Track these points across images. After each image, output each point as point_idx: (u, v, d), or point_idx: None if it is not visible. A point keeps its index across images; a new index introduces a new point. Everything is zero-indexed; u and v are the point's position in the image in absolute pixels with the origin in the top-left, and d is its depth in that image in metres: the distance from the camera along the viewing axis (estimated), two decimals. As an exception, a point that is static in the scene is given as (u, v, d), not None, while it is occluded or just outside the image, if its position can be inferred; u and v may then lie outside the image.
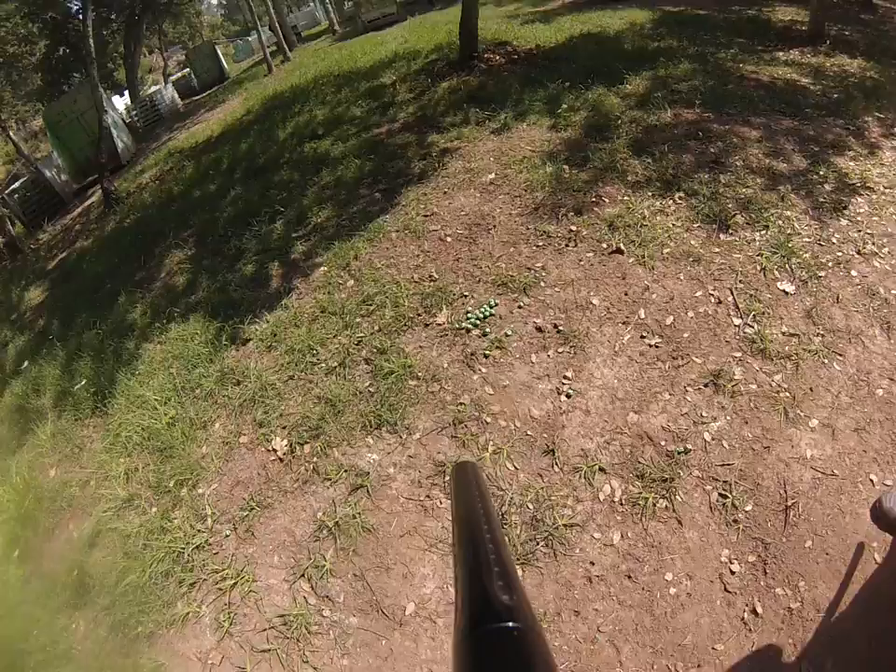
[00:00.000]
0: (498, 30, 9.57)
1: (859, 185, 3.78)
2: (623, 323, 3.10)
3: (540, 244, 3.75)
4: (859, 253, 3.26)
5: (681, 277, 3.28)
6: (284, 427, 3.12)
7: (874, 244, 3.31)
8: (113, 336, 4.70)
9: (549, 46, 8.03)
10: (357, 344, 3.45)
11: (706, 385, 2.73)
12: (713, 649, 2.01)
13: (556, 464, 2.57)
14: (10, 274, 9.37)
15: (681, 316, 3.06)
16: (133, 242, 6.70)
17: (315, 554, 2.53)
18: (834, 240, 3.37)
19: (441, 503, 2.56)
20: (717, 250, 3.40)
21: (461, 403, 2.92)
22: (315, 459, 2.90)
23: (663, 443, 2.55)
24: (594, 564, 2.27)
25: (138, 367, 4.13)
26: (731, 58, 6.34)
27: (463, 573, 0.39)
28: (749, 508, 2.31)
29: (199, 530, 2.82)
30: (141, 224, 7.35)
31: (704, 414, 2.62)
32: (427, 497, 2.60)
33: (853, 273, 3.16)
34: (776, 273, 3.21)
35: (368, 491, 2.68)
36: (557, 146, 4.82)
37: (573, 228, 3.77)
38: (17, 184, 13.08)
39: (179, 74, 25.48)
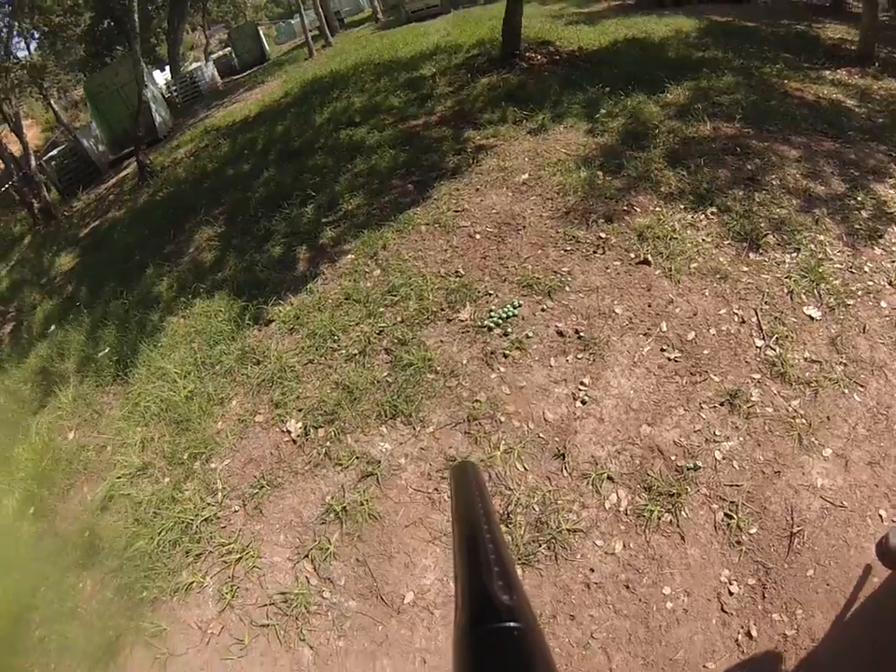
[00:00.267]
0: (542, 29, 9.51)
1: (897, 214, 3.70)
2: (645, 334, 3.09)
3: (568, 248, 3.74)
4: (890, 284, 3.19)
5: (707, 293, 3.25)
6: (300, 410, 3.17)
7: (907, 276, 3.25)
8: (138, 307, 4.80)
9: (592, 49, 7.97)
10: (378, 334, 3.48)
11: (721, 404, 2.71)
12: (704, 667, 2.01)
13: (566, 468, 2.58)
14: (43, 239, 9.60)
15: (703, 333, 3.04)
16: (164, 215, 6.81)
17: (321, 537, 2.58)
18: (867, 269, 3.30)
19: (448, 497, 2.58)
20: (745, 269, 3.37)
21: (477, 400, 2.94)
22: (328, 444, 2.94)
23: (673, 458, 2.54)
24: (593, 570, 2.28)
25: (161, 339, 4.22)
26: (776, 73, 6.22)
27: (463, 573, 0.40)
28: (753, 530, 2.30)
29: (209, 503, 2.88)
30: (173, 198, 7.46)
31: (717, 433, 2.60)
32: (436, 489, 2.63)
33: (883, 304, 3.10)
34: (803, 297, 3.16)
35: (377, 479, 2.72)
36: (593, 151, 4.79)
37: (602, 235, 3.76)
38: (55, 151, 13.36)
39: (220, 52, 25.62)
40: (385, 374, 3.22)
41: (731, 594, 2.16)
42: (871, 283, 3.22)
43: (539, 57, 7.57)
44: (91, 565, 2.89)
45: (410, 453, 2.81)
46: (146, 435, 3.42)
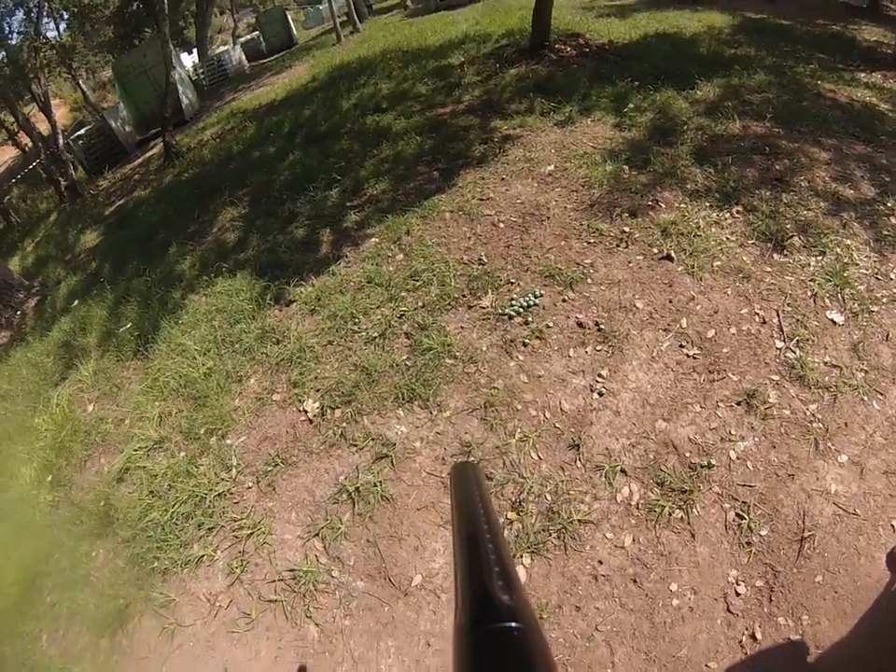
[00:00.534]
0: (572, 21, 9.38)
1: (927, 222, 3.62)
2: (664, 330, 3.07)
3: (592, 241, 3.72)
4: (917, 292, 3.14)
5: (729, 292, 3.22)
6: (317, 390, 3.20)
7: (934, 285, 3.18)
8: (161, 284, 4.87)
9: (622, 42, 7.86)
10: (399, 318, 3.50)
11: (738, 404, 2.69)
12: (706, 666, 2.01)
13: (580, 459, 2.59)
14: (69, 216, 9.74)
15: (723, 331, 3.02)
16: (188, 195, 6.89)
17: (332, 516, 2.61)
18: (893, 276, 3.23)
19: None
20: (768, 269, 3.33)
21: (494, 387, 2.95)
22: (343, 424, 2.98)
23: (687, 454, 2.53)
24: (602, 563, 2.28)
25: (182, 316, 4.28)
26: (809, 73, 6.08)
27: (463, 572, 0.40)
28: (764, 532, 2.28)
29: (223, 479, 2.93)
30: (198, 179, 7.53)
31: (732, 432, 2.59)
32: (449, 474, 2.64)
33: (908, 312, 3.05)
34: (826, 301, 3.12)
35: (392, 461, 2.75)
36: (619, 145, 4.75)
37: (626, 229, 3.73)
38: (82, 130, 13.54)
39: (248, 36, 25.61)
40: (405, 358, 3.24)
41: (738, 594, 2.15)
42: (896, 290, 3.17)
43: (568, 49, 7.49)
44: (104, 534, 2.96)
45: (425, 436, 2.83)
46: (163, 410, 3.48)
